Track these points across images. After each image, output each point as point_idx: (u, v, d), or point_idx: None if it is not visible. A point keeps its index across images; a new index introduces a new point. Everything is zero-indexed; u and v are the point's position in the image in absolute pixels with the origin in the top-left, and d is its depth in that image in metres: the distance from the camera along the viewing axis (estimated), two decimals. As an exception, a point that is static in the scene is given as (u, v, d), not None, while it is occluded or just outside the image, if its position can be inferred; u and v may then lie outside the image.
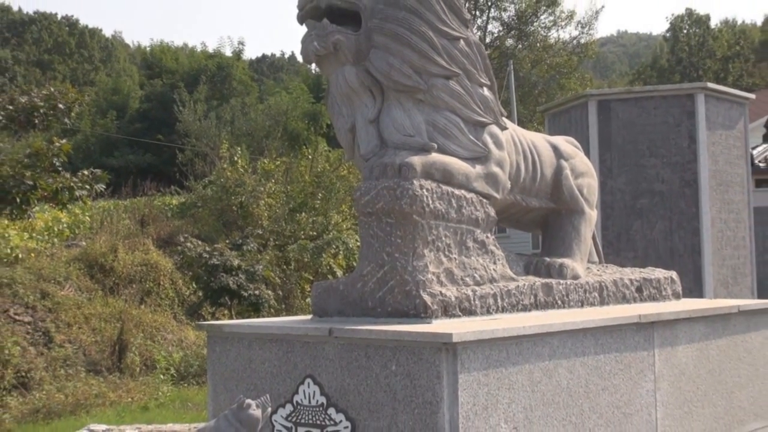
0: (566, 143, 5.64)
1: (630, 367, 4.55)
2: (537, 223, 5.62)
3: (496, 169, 4.64)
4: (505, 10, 35.95)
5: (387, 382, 3.75)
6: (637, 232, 9.25)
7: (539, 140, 5.36)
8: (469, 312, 4.26)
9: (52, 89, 12.51)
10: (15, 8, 61.68)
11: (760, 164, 19.76)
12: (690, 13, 54.28)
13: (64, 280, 15.69)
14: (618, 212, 9.27)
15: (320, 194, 20.48)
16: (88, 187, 11.26)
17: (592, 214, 5.59)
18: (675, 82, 40.87)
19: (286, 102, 36.05)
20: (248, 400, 3.32)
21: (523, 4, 35.43)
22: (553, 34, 36.56)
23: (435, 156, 4.34)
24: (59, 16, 62.15)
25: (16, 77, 50.14)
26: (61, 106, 12.03)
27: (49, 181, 10.75)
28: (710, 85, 9.70)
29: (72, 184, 10.99)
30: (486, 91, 4.63)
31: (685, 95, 9.42)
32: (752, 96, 10.64)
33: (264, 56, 66.66)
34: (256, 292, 16.90)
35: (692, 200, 9.19)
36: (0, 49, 54.67)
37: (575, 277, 5.07)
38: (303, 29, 4.47)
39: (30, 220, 14.63)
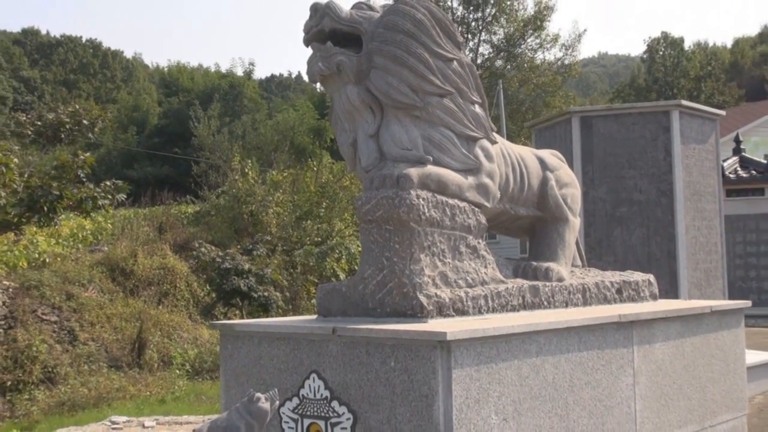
0: (551, 156, 5.64)
1: (611, 363, 4.55)
2: (525, 230, 5.62)
3: (486, 180, 4.64)
4: (494, 33, 36.07)
5: (386, 377, 3.74)
6: (617, 239, 9.24)
7: (526, 153, 5.36)
8: (461, 312, 4.26)
9: (77, 107, 12.54)
10: (43, 32, 61.69)
11: (731, 176, 19.77)
12: (665, 36, 54.41)
13: (87, 282, 15.69)
14: (599, 220, 9.27)
15: (324, 203, 20.50)
16: (110, 196, 11.28)
17: (576, 222, 5.59)
18: (651, 99, 40.90)
19: (293, 118, 36.08)
20: (258, 394, 3.32)
21: (512, 28, 35.51)
22: (539, 56, 36.70)
23: (430, 168, 4.34)
24: (84, 39, 62.25)
25: (44, 95, 50.24)
26: (85, 122, 12.06)
27: (74, 191, 10.76)
28: (684, 102, 9.68)
29: (95, 194, 11.00)
30: (477, 108, 4.64)
31: (661, 112, 9.42)
32: (723, 113, 10.63)
33: (273, 76, 66.80)
34: (265, 294, 16.89)
35: (668, 209, 9.18)
36: (29, 70, 54.73)
37: (560, 279, 5.07)
38: (309, 51, 4.48)
39: (56, 227, 14.63)
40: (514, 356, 3.91)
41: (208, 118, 36.47)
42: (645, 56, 55.79)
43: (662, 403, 4.95)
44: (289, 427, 4.13)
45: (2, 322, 13.82)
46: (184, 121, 37.73)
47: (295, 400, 4.11)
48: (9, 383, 12.76)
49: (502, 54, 36.33)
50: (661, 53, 53.51)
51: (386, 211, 4.16)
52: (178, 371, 13.79)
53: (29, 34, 60.88)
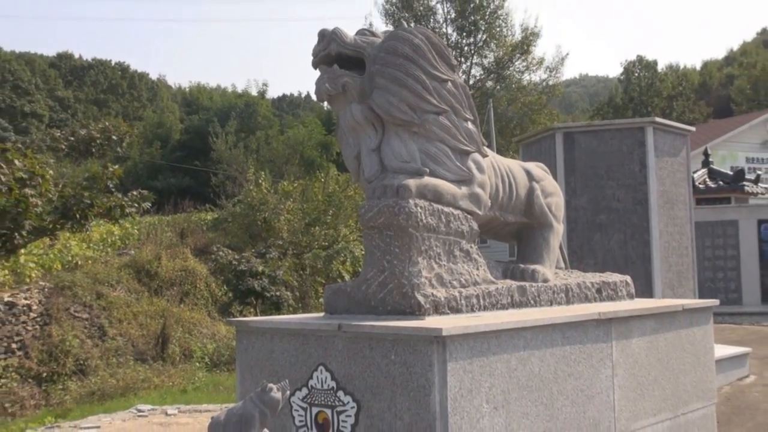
0: (537, 168, 5.64)
1: (591, 357, 4.54)
2: (513, 235, 5.61)
3: (478, 190, 4.64)
4: (485, 57, 36.08)
5: (387, 370, 3.74)
6: (597, 243, 9.23)
7: (514, 166, 5.36)
8: (456, 310, 4.25)
9: (106, 124, 12.57)
10: (77, 55, 61.83)
11: (700, 186, 19.79)
12: (640, 59, 54.45)
13: (116, 283, 15.70)
14: (581, 226, 9.26)
15: (331, 211, 20.50)
16: (136, 205, 11.28)
17: (559, 228, 5.59)
18: (628, 117, 40.94)
19: (303, 134, 36.14)
20: (270, 384, 3.31)
21: (501, 52, 35.54)
22: (526, 78, 36.73)
23: (427, 179, 4.35)
24: (113, 62, 62.34)
25: (77, 113, 50.36)
26: (114, 137, 12.08)
27: (104, 200, 10.76)
28: (658, 119, 9.69)
29: (123, 202, 11.00)
30: (470, 125, 4.64)
31: (636, 128, 9.43)
32: (693, 129, 10.63)
33: (284, 95, 66.83)
34: (277, 294, 16.89)
35: (643, 216, 9.18)
36: (64, 90, 54.82)
37: (545, 280, 5.07)
38: (317, 73, 4.49)
39: (88, 232, 14.62)
40: (504, 350, 3.90)
41: (226, 134, 36.55)
42: (622, 77, 55.82)
43: (638, 393, 4.94)
44: (298, 415, 4.12)
45: (38, 319, 13.82)
46: (204, 137, 37.77)
47: (305, 390, 4.10)
48: (44, 374, 12.76)
49: (492, 76, 36.36)
50: (636, 75, 53.57)
51: (387, 218, 4.16)
52: (198, 364, 13.79)
53: (64, 57, 60.98)
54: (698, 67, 68.77)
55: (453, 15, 35.17)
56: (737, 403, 8.11)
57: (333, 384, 3.97)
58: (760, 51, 66.45)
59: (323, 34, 4.41)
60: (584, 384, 4.46)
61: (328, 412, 3.98)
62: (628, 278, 5.95)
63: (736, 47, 76.90)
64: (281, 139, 36.20)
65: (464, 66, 35.25)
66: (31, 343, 13.28)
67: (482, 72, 36.46)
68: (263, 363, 4.44)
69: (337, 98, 4.45)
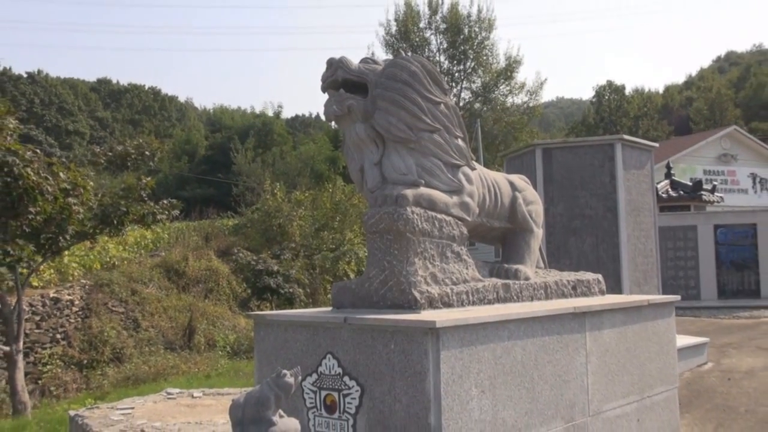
0: (520, 179, 5.65)
1: (568, 346, 4.53)
2: (498, 239, 5.61)
3: (467, 199, 4.64)
4: (473, 82, 36.09)
5: (387, 357, 3.73)
6: (572, 246, 9.23)
7: (500, 177, 5.37)
8: (448, 305, 4.25)
9: (140, 141, 12.59)
10: (114, 81, 61.95)
11: (663, 195, 19.80)
12: (610, 83, 54.45)
13: (148, 281, 15.72)
14: (558, 231, 9.26)
15: (338, 218, 20.53)
16: (166, 212, 11.30)
17: (539, 232, 5.59)
18: (599, 135, 40.95)
19: (313, 150, 36.20)
20: (284, 371, 3.31)
21: (487, 78, 35.54)
22: (509, 100, 36.66)
23: (423, 189, 4.35)
24: (146, 87, 62.48)
25: (114, 132, 50.45)
26: (147, 153, 12.10)
27: (138, 208, 10.78)
28: (625, 137, 9.69)
29: (155, 210, 11.02)
30: (460, 142, 4.65)
31: (606, 144, 9.43)
32: (656, 145, 10.63)
33: (297, 116, 66.83)
34: (290, 290, 16.90)
35: (613, 222, 9.17)
36: (103, 111, 54.95)
37: (527, 278, 5.06)
38: (325, 96, 4.50)
39: (123, 236, 14.66)
40: (490, 340, 3.90)
41: (245, 149, 36.61)
42: (594, 100, 55.85)
43: (609, 378, 4.93)
44: (309, 398, 4.12)
45: (80, 313, 13.82)
46: (226, 152, 37.83)
47: (314, 376, 4.10)
48: (85, 361, 12.77)
49: (479, 98, 36.36)
50: (606, 97, 53.59)
51: (387, 223, 4.16)
52: (220, 352, 13.79)
53: (103, 82, 61.12)
54: (661, 90, 68.72)
55: (445, 45, 35.22)
56: (696, 387, 8.10)
57: (340, 370, 3.96)
58: (716, 76, 66.52)
59: (331, 63, 4.42)
60: (561, 370, 4.45)
61: (336, 395, 3.97)
62: (600, 276, 5.95)
63: (694, 73, 77.12)
64: (294, 155, 36.28)
65: (455, 90, 35.28)
66: (73, 333, 13.28)
67: (471, 95, 36.48)
68: (278, 351, 4.43)
69: (343, 118, 4.46)
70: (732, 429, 6.38)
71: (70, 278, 14.91)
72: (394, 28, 35.17)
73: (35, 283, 13.63)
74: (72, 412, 6.82)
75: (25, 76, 49.35)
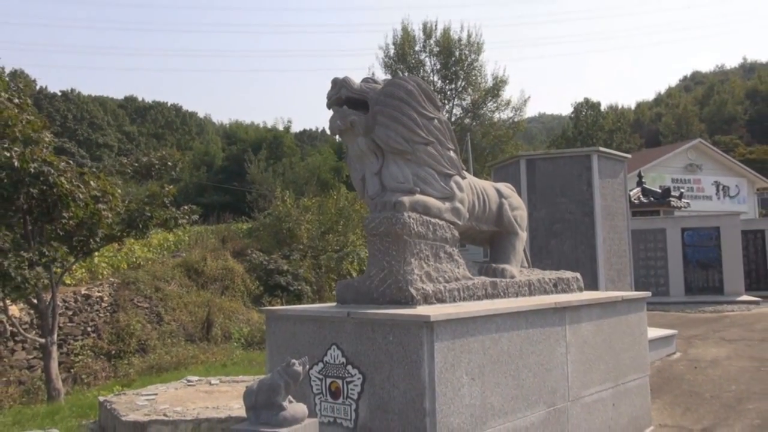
0: (506, 187, 5.65)
1: (549, 337, 4.53)
2: (486, 241, 5.61)
3: (458, 205, 4.65)
4: (464, 99, 36.06)
5: (386, 348, 3.73)
6: (553, 247, 9.22)
7: (488, 186, 5.37)
8: (441, 300, 4.25)
9: (163, 153, 12.61)
10: (140, 98, 61.98)
11: (635, 201, 19.80)
12: (587, 101, 54.39)
13: (170, 279, 15.70)
14: (540, 233, 9.26)
15: (342, 222, 20.51)
16: (187, 217, 11.30)
17: (523, 235, 5.59)
18: (577, 147, 40.94)
19: (319, 161, 36.24)
20: (293, 360, 3.30)
21: (476, 96, 35.54)
22: (497, 116, 36.60)
23: (418, 196, 4.35)
24: (169, 104, 62.50)
25: (140, 144, 50.43)
26: (169, 163, 12.11)
27: (161, 213, 10.78)
28: (601, 149, 9.70)
29: (176, 215, 11.02)
30: (452, 153, 4.65)
31: (584, 156, 9.43)
32: (629, 156, 10.64)
33: (305, 130, 66.79)
34: (299, 287, 16.88)
35: (590, 226, 9.17)
36: (130, 126, 54.96)
37: (512, 277, 5.06)
38: (330, 113, 4.51)
39: (148, 239, 14.66)
40: (479, 332, 3.90)
41: (258, 160, 36.61)
42: (572, 115, 55.87)
43: (587, 367, 4.93)
44: (316, 385, 4.11)
45: (109, 308, 13.80)
46: (241, 163, 37.84)
47: (321, 365, 4.09)
48: (113, 352, 12.75)
49: (469, 114, 36.35)
50: (584, 113, 53.59)
51: (386, 227, 4.16)
52: (235, 343, 13.76)
53: (130, 100, 61.12)
54: (633, 107, 68.90)
55: (438, 66, 35.26)
56: (666, 375, 8.09)
57: (343, 360, 3.96)
58: (682, 94, 66.71)
59: (335, 82, 4.43)
60: (544, 359, 4.45)
61: (340, 382, 3.97)
62: (578, 275, 5.95)
63: (663, 91, 77.20)
64: (302, 165, 36.25)
65: (447, 106, 35.30)
66: (102, 327, 13.26)
67: (461, 111, 36.48)
68: (288, 343, 4.43)
69: (346, 132, 4.46)
70: (698, 412, 6.37)
71: (100, 277, 14.89)
72: (392, 51, 35.21)
73: (68, 281, 13.62)
74: (101, 398, 6.81)
75: (59, 94, 49.40)
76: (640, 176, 21.73)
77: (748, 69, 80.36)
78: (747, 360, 8.81)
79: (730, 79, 67.89)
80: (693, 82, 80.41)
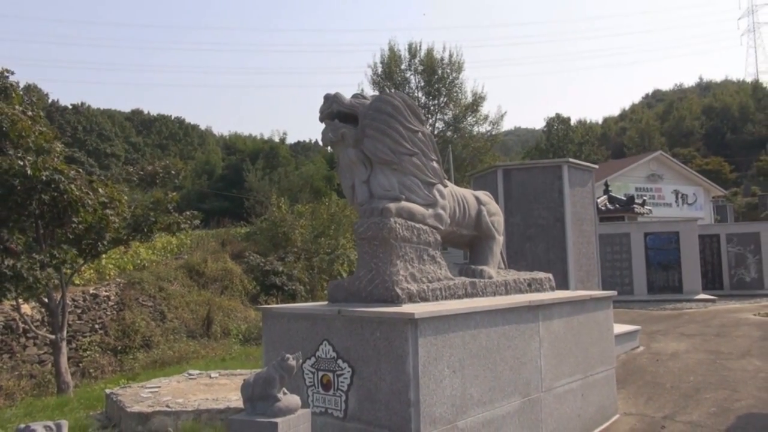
0: (484, 195, 5.67)
1: (524, 333, 4.54)
2: (466, 244, 5.63)
3: (441, 211, 4.65)
4: (446, 114, 36.13)
5: (374, 344, 3.72)
6: (527, 250, 9.26)
7: (467, 193, 5.39)
8: (425, 299, 4.25)
9: (167, 162, 12.53)
10: (146, 111, 61.58)
11: (602, 208, 19.95)
12: (558, 116, 54.85)
13: (173, 279, 15.58)
14: (516, 237, 9.30)
15: (333, 227, 20.46)
16: (189, 222, 11.23)
17: (500, 239, 5.61)
18: (549, 158, 41.15)
19: (312, 170, 36.16)
20: (287, 355, 3.28)
21: (457, 111, 35.67)
22: (476, 129, 36.72)
23: (403, 203, 4.35)
24: (173, 117, 62.17)
25: (145, 154, 50.02)
26: (172, 172, 12.05)
27: (165, 218, 10.71)
28: (571, 160, 9.76)
29: (179, 220, 10.95)
30: (435, 164, 4.66)
31: (556, 166, 9.49)
32: (596, 167, 10.72)
33: (299, 141, 66.67)
34: (293, 287, 16.81)
35: (561, 230, 9.22)
36: (136, 137, 54.60)
37: (490, 277, 5.07)
38: (322, 126, 4.50)
39: (152, 242, 14.54)
40: (460, 329, 3.90)
41: (255, 169, 36.54)
42: (545, 129, 56.28)
43: (558, 360, 4.95)
44: (308, 378, 4.09)
45: (115, 306, 13.67)
46: (239, 172, 37.73)
47: (313, 359, 4.07)
48: (119, 347, 12.62)
49: (450, 128, 36.43)
50: (555, 127, 54.00)
51: (374, 232, 4.16)
52: (234, 339, 13.68)
53: (136, 113, 60.73)
54: (600, 121, 69.53)
55: (422, 83, 35.39)
56: (630, 367, 8.14)
57: (334, 354, 3.94)
58: (645, 110, 67.42)
59: (327, 97, 4.43)
60: (519, 353, 4.46)
61: (331, 375, 3.95)
62: (551, 275, 5.97)
63: (627, 107, 78.01)
64: (296, 174, 36.20)
65: (430, 120, 35.40)
66: (109, 324, 13.13)
67: (443, 125, 36.58)
68: (282, 339, 4.41)
69: (337, 144, 4.46)
70: (660, 401, 6.41)
71: (107, 277, 14.75)
72: (380, 69, 35.28)
73: (77, 282, 13.47)
74: (108, 391, 6.73)
75: (70, 107, 48.98)
76: (606, 185, 21.92)
77: (704, 87, 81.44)
78: (704, 353, 8.89)
79: (687, 96, 68.77)
80: (654, 99, 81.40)
